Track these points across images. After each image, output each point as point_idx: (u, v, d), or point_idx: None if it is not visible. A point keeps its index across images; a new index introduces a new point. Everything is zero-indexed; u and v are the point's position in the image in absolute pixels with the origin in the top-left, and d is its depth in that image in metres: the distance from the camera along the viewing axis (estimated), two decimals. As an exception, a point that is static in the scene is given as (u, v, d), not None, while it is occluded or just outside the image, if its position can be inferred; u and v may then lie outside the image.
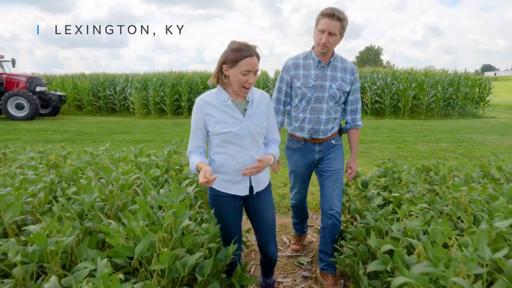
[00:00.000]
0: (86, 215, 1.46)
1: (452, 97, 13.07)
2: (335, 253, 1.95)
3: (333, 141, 2.17)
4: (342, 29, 1.95)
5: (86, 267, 0.95)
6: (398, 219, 1.56)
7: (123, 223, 1.30)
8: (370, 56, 69.25)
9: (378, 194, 2.24)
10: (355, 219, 2.13)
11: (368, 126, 9.85)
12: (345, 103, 2.20)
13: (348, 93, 2.13)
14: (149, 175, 1.96)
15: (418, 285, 0.76)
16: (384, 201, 2.15)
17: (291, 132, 2.21)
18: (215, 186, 1.63)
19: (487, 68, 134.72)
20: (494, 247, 1.09)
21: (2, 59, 12.88)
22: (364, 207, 2.12)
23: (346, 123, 2.24)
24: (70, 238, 1.05)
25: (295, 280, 2.27)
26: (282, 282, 2.24)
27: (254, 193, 1.66)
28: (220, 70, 1.55)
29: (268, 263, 1.88)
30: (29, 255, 1.01)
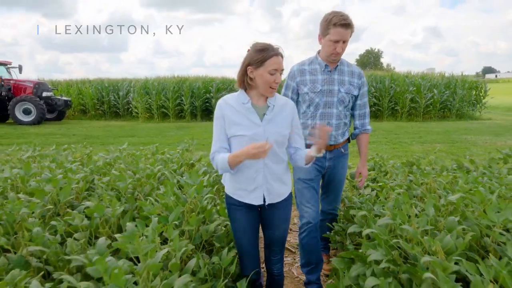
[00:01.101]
0: (120, 199, 1.78)
1: (449, 99, 13.39)
2: (328, 232, 2.23)
3: (342, 150, 2.14)
4: (352, 33, 1.95)
5: (135, 227, 1.26)
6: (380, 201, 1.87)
7: (155, 201, 1.62)
8: (370, 59, 69.63)
9: (367, 185, 2.55)
10: (345, 204, 2.44)
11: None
12: (353, 108, 2.17)
13: (356, 97, 2.12)
14: (168, 167, 2.28)
15: (380, 234, 1.07)
16: (372, 190, 2.46)
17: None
18: (231, 193, 1.59)
19: (488, 70, 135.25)
20: (455, 215, 1.41)
21: (10, 66, 13.26)
22: (353, 195, 2.43)
23: (355, 128, 2.21)
24: (120, 209, 1.37)
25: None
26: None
27: (266, 204, 1.57)
28: (244, 73, 1.50)
29: (271, 282, 1.77)
30: (90, 222, 1.33)
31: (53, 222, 1.41)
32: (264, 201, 1.57)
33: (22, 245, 1.21)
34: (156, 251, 1.07)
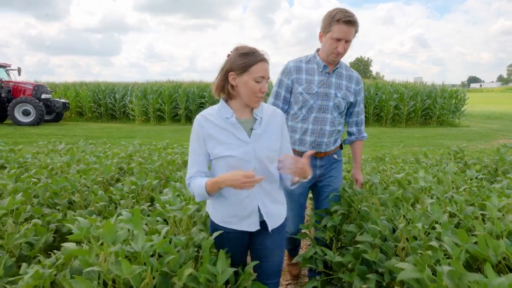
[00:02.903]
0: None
1: (430, 107, 14.24)
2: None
3: (335, 156, 1.99)
4: (356, 33, 1.80)
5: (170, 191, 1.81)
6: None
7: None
8: (360, 67, 71.22)
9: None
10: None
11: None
12: (348, 114, 2.05)
13: (351, 103, 1.99)
14: (182, 157, 2.83)
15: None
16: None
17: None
18: (218, 222, 1.39)
19: (473, 79, 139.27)
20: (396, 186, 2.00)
21: (9, 68, 13.59)
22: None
23: (351, 134, 2.09)
24: (155, 181, 1.92)
25: None
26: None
27: (270, 230, 1.40)
28: (225, 79, 1.31)
29: None
30: (130, 190, 1.88)
31: (100, 192, 1.95)
32: (265, 226, 1.38)
33: (92, 203, 1.74)
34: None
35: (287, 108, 1.96)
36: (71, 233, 1.28)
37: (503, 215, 1.44)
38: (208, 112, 1.37)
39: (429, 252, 1.09)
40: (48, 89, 13.83)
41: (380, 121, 14.13)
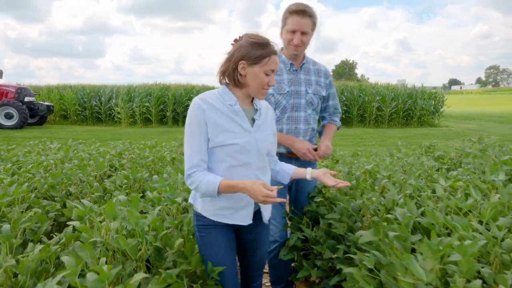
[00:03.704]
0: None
1: (411, 108, 14.76)
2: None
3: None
4: (314, 25, 1.76)
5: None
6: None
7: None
8: (345, 70, 72.48)
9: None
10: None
11: (336, 134, 11.21)
12: (322, 109, 2.03)
13: (324, 98, 1.96)
14: (170, 155, 2.99)
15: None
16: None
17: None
18: (209, 215, 1.29)
19: (454, 82, 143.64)
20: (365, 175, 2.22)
21: (-9, 71, 13.35)
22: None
23: (323, 119, 2.09)
24: (147, 174, 2.08)
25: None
26: None
27: (266, 221, 1.39)
28: (234, 67, 1.24)
29: None
30: (123, 183, 2.04)
31: (96, 184, 2.09)
32: (255, 218, 1.35)
33: (88, 194, 1.88)
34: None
35: None
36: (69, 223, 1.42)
37: (451, 194, 1.67)
38: (208, 95, 1.27)
39: (385, 223, 1.29)
40: (32, 92, 13.65)
41: (363, 121, 14.54)
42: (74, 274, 0.93)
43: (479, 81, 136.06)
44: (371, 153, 3.44)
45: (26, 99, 12.91)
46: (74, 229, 1.40)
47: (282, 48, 1.91)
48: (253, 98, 1.35)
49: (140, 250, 1.20)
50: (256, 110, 1.34)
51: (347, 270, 1.17)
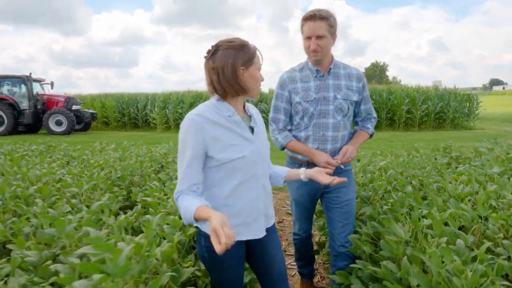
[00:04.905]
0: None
1: (443, 110, 14.42)
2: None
3: (342, 166, 1.82)
4: (331, 27, 1.72)
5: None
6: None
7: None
8: (376, 72, 70.67)
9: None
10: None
11: (364, 137, 11.29)
12: (355, 114, 1.96)
13: (356, 102, 1.89)
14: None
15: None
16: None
17: (292, 154, 1.93)
18: None
19: (496, 82, 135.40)
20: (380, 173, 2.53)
21: (43, 82, 14.83)
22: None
23: (355, 124, 2.03)
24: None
25: None
26: None
27: (265, 229, 1.31)
28: (235, 76, 1.17)
29: None
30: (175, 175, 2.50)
31: (153, 175, 2.58)
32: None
33: (148, 181, 2.38)
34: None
35: (288, 120, 1.92)
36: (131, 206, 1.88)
37: (456, 185, 1.97)
38: (204, 110, 1.19)
39: (383, 201, 1.64)
40: (78, 100, 14.95)
41: (393, 125, 14.41)
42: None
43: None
44: (390, 153, 3.70)
45: (74, 107, 14.18)
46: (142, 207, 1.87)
47: None
48: (244, 105, 1.29)
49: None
50: (250, 116, 1.29)
51: (351, 236, 1.52)
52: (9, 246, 1.29)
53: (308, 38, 1.73)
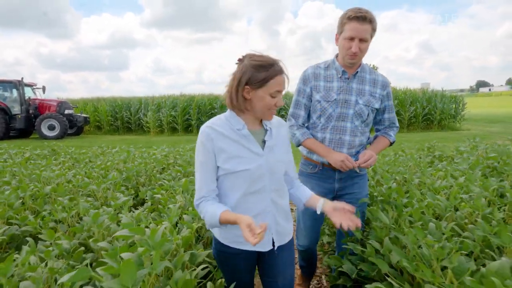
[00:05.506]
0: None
1: (430, 112, 14.88)
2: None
3: (357, 170, 1.81)
4: (373, 31, 1.67)
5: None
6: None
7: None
8: (365, 75, 71.47)
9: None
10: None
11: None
12: (376, 122, 1.93)
13: (378, 110, 1.86)
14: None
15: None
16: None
17: (306, 154, 1.90)
18: (227, 242, 1.31)
19: (482, 84, 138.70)
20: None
21: (35, 87, 14.79)
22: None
23: (376, 131, 1.97)
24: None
25: None
26: None
27: (276, 247, 1.33)
28: (240, 92, 1.22)
29: None
30: (177, 176, 2.68)
31: (158, 175, 2.75)
32: (273, 245, 1.33)
33: (153, 181, 2.54)
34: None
35: (307, 116, 1.88)
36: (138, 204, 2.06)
37: (435, 180, 2.20)
38: (215, 122, 1.26)
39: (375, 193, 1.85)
40: (71, 105, 14.94)
41: (382, 126, 14.80)
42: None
43: (509, 82, 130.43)
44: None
45: (66, 111, 14.16)
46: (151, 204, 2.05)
47: (337, 54, 1.83)
48: (261, 120, 1.32)
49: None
50: (266, 130, 1.31)
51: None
52: (41, 236, 1.46)
53: (350, 39, 1.64)
